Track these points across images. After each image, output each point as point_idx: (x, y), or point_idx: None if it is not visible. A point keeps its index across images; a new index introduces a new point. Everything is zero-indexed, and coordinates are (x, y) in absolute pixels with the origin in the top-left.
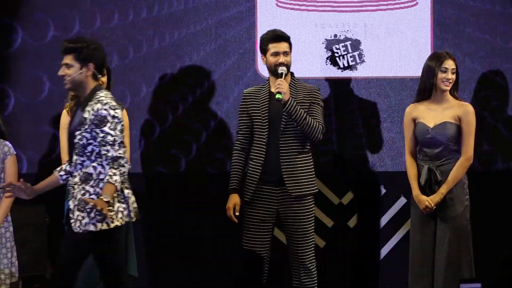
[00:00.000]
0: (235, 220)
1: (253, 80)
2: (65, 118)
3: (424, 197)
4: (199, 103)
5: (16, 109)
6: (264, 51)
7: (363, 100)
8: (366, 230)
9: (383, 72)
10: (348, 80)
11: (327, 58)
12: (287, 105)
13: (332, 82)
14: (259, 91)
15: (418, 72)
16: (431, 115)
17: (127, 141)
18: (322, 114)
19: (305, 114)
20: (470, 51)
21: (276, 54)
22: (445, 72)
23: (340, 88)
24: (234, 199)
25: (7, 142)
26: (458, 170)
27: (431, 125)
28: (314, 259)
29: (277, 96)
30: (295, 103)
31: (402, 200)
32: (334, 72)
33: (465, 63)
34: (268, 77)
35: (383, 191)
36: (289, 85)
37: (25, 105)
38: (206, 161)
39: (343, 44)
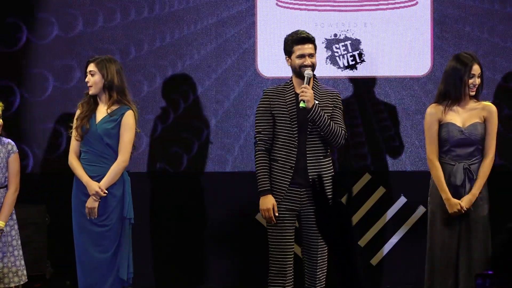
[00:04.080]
0: (275, 220)
1: (253, 79)
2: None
3: (456, 201)
4: (200, 102)
5: (21, 107)
6: (288, 53)
7: (363, 100)
8: (366, 230)
9: (383, 71)
10: (348, 80)
11: (327, 58)
12: (311, 112)
13: (332, 81)
14: (283, 91)
15: (418, 72)
16: (459, 116)
17: (130, 139)
18: (343, 119)
19: (329, 121)
20: (470, 50)
21: (302, 56)
22: (472, 77)
23: (340, 88)
24: (271, 200)
25: (10, 140)
26: (486, 170)
27: (462, 125)
28: (326, 262)
29: (301, 104)
30: (319, 109)
31: (402, 200)
32: (334, 72)
33: None
34: (291, 77)
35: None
36: (312, 89)
37: (30, 103)
38: (207, 159)
39: (343, 43)
